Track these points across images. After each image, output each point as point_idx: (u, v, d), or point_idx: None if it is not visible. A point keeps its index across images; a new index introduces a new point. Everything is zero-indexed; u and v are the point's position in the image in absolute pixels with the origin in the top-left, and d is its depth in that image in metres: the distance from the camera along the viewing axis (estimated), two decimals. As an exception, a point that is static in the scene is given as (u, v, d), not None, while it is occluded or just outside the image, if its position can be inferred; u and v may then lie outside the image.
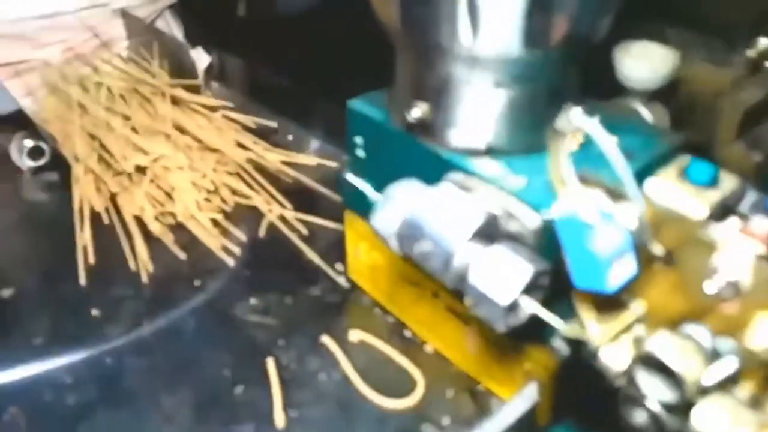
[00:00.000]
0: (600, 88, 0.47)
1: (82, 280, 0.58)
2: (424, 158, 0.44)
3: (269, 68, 0.85)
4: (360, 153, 0.49)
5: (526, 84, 0.41)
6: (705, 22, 0.53)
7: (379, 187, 0.49)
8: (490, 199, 0.39)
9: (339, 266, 0.58)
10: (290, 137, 0.78)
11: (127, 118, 0.70)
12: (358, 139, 0.49)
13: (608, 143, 0.30)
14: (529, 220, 0.38)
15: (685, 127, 0.50)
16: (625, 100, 0.49)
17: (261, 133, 0.73)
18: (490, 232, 0.38)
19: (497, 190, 0.40)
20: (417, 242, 0.39)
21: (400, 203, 0.40)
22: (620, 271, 0.31)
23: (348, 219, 0.53)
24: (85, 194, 0.66)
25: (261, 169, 0.69)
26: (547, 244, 0.38)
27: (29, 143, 0.72)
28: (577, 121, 0.30)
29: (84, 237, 0.62)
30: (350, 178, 0.50)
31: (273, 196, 0.66)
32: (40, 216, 0.70)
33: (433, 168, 0.43)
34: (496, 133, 0.42)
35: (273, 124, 0.74)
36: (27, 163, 0.73)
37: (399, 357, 0.50)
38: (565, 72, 0.42)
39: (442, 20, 0.38)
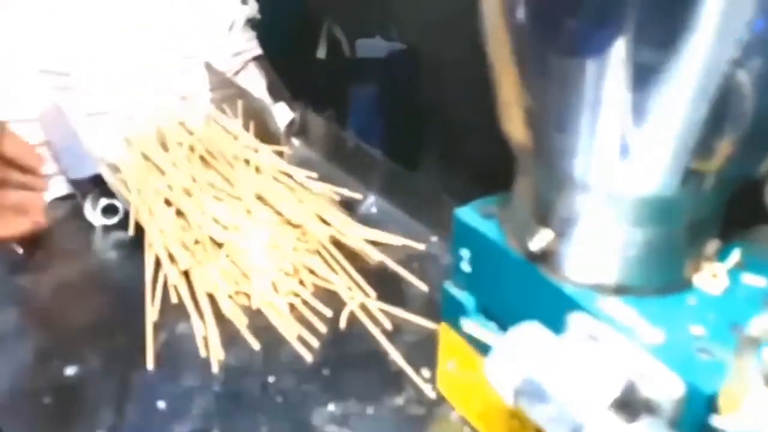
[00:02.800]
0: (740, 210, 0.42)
1: (150, 364, 0.55)
2: (542, 290, 0.39)
3: (355, 133, 0.81)
4: (465, 266, 0.44)
5: (667, 223, 0.36)
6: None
7: (484, 304, 0.45)
8: (622, 355, 0.34)
9: (425, 371, 0.53)
10: (374, 209, 0.73)
11: (206, 183, 0.67)
12: (464, 252, 0.44)
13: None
14: (669, 387, 0.33)
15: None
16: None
17: (343, 202, 0.70)
18: (626, 401, 0.33)
19: (631, 344, 0.35)
20: (539, 403, 0.34)
21: (522, 355, 0.35)
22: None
23: (443, 330, 0.49)
24: (159, 265, 0.63)
25: (342, 245, 0.65)
26: (687, 416, 0.33)
27: (104, 201, 0.70)
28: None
29: (154, 313, 0.59)
30: (454, 292, 0.46)
31: (355, 281, 0.62)
32: (108, 275, 0.67)
33: (552, 302, 0.38)
34: (628, 270, 0.37)
35: (358, 196, 0.70)
36: (100, 220, 0.71)
37: (490, 490, 0.46)
38: (713, 208, 0.37)
39: (582, 153, 0.34)
